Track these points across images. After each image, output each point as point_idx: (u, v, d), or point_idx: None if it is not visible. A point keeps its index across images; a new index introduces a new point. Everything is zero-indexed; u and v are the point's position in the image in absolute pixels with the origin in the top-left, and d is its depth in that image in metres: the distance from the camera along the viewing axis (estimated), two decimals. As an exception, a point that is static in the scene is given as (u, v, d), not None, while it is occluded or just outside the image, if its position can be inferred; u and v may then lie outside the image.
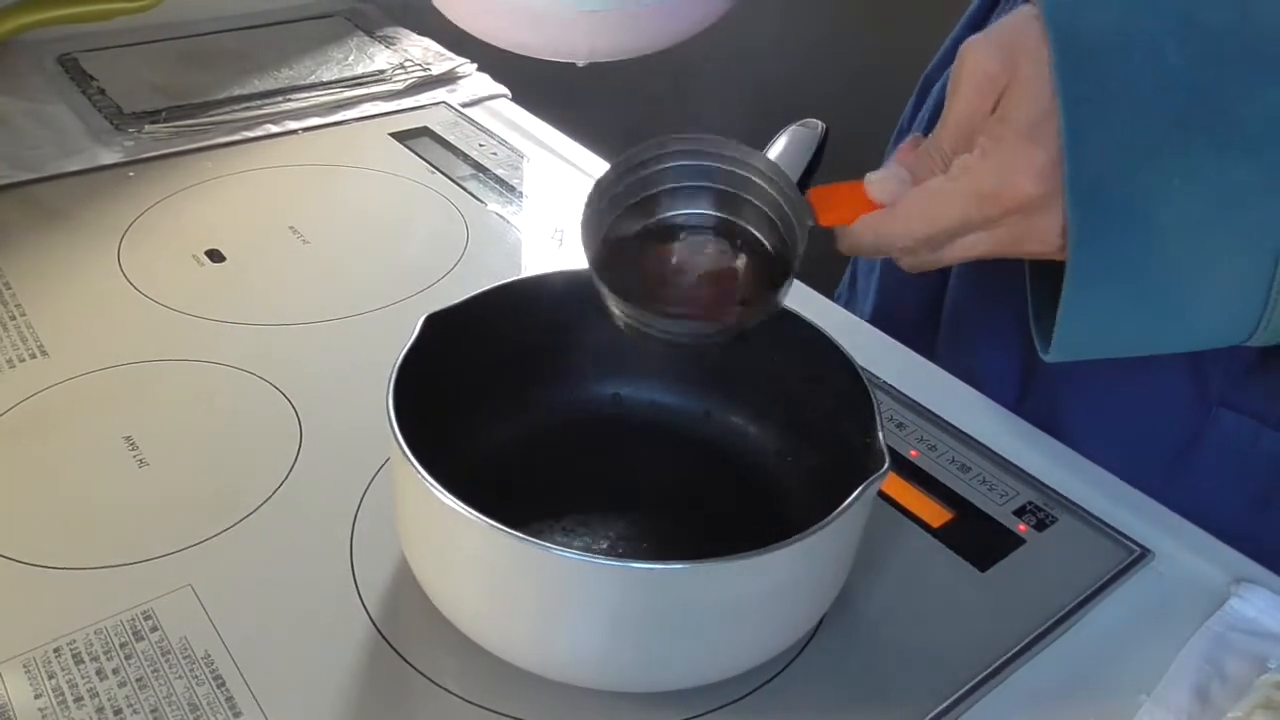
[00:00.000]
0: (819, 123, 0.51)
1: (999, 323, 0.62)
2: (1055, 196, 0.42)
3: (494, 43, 0.53)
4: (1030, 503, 0.54)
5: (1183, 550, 0.52)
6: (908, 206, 0.45)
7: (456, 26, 0.58)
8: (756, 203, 0.47)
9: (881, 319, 0.74)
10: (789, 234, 0.46)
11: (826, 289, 0.70)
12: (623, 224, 0.47)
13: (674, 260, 0.48)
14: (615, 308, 0.46)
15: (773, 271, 0.47)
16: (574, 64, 0.60)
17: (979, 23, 0.70)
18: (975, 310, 0.67)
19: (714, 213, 0.48)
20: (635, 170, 0.47)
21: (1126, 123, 0.41)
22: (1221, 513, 0.54)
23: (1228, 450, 0.58)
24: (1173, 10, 0.41)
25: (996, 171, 0.43)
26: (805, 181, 0.49)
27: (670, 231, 0.48)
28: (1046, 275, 0.46)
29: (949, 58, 0.72)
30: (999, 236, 0.45)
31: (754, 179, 0.47)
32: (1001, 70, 0.43)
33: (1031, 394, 0.63)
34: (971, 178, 0.43)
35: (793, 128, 0.51)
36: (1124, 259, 0.42)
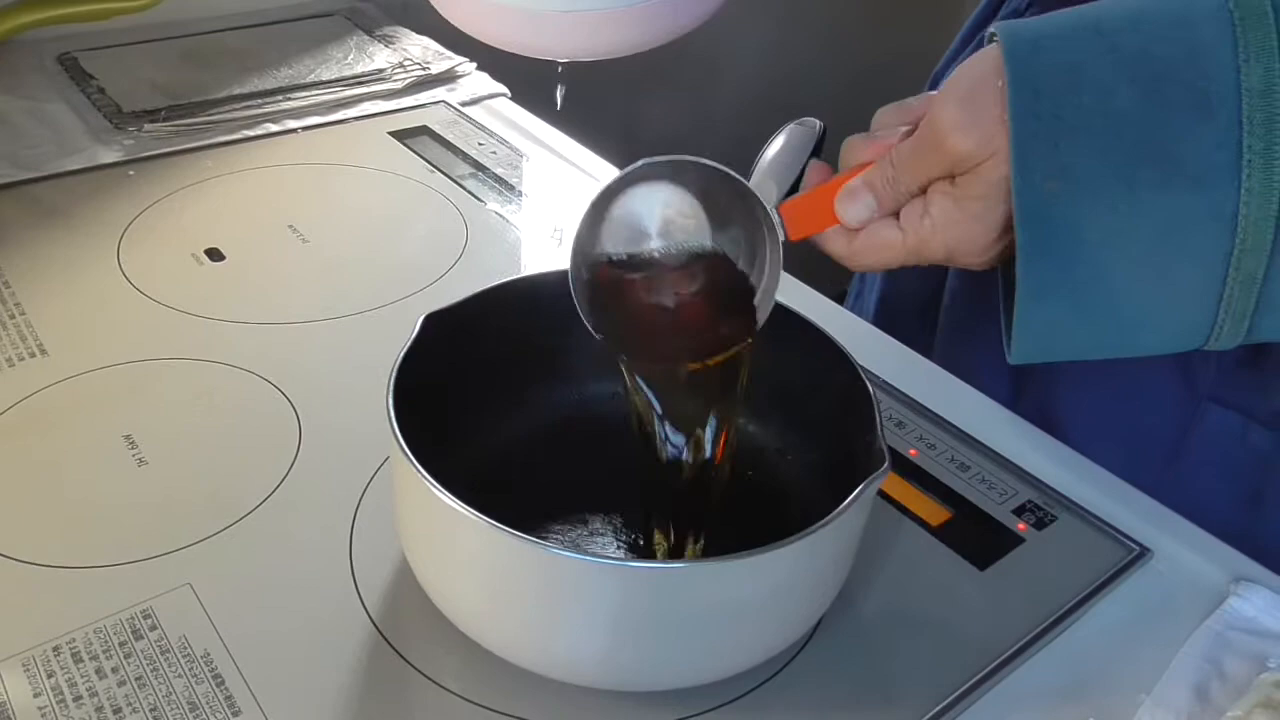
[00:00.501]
0: (816, 121, 0.51)
1: (993, 317, 0.62)
2: (991, 260, 0.47)
3: (478, 38, 0.53)
4: (1029, 501, 0.54)
5: (1182, 549, 0.52)
6: (863, 250, 0.48)
7: (456, 26, 0.58)
8: (730, 225, 0.48)
9: (888, 309, 0.74)
10: (760, 256, 0.47)
11: (828, 289, 0.70)
12: (600, 258, 0.47)
13: (651, 304, 0.48)
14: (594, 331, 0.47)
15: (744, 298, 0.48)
16: (574, 63, 0.60)
17: (987, 19, 0.70)
18: (971, 304, 0.67)
19: (687, 242, 0.48)
20: (611, 201, 0.47)
21: (1074, 156, 0.43)
22: (1215, 510, 0.54)
23: (1217, 446, 0.58)
24: (1129, 48, 0.43)
25: (945, 244, 0.47)
26: (802, 180, 0.49)
27: (646, 265, 0.48)
28: (1012, 285, 0.48)
29: (957, 55, 0.72)
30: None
31: (729, 200, 0.47)
32: (975, 153, 0.44)
33: (1025, 389, 0.64)
34: (920, 242, 0.47)
35: (790, 126, 0.51)
36: (1069, 281, 0.44)
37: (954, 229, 0.46)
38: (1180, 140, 0.42)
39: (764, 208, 0.46)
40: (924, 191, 0.47)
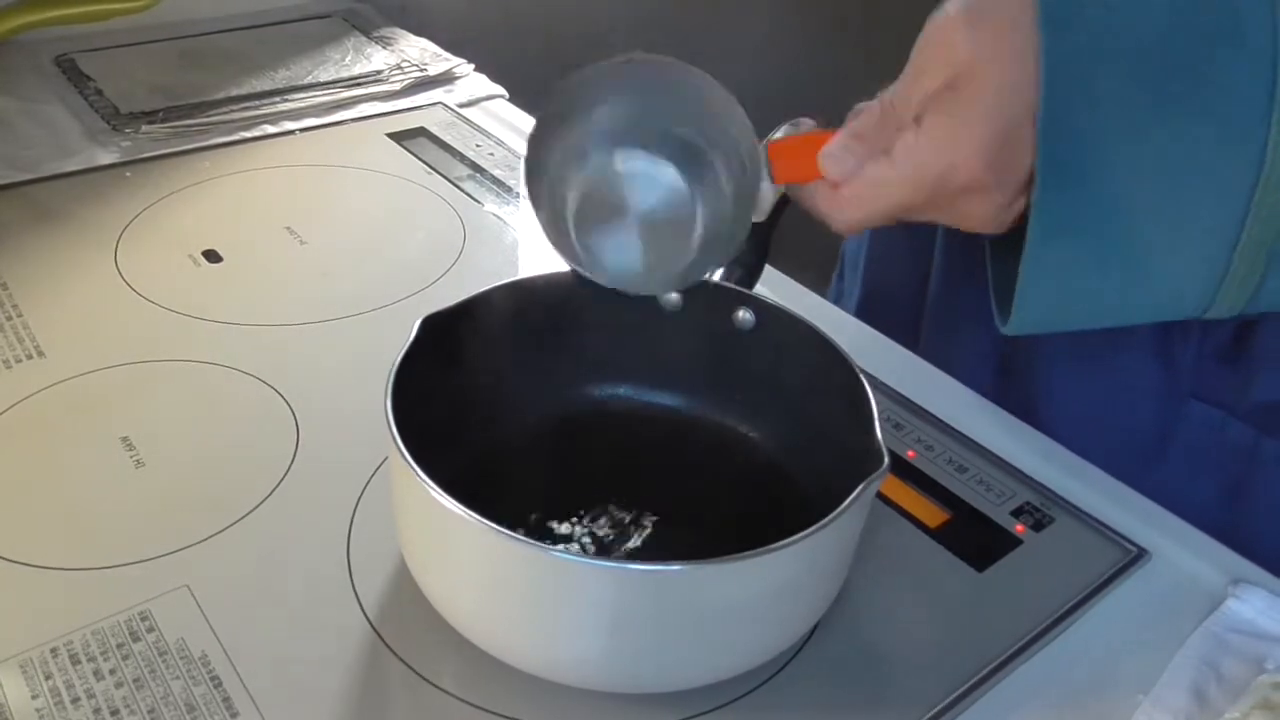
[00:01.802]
0: (811, 121, 0.51)
1: (977, 313, 0.62)
2: (990, 185, 0.44)
3: None
4: (1027, 503, 0.54)
5: (1180, 551, 0.52)
6: (853, 195, 0.46)
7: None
8: (718, 151, 0.47)
9: (870, 309, 0.74)
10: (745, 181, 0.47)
11: (823, 288, 0.70)
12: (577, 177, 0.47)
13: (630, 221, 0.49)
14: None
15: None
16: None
17: None
18: (955, 301, 0.67)
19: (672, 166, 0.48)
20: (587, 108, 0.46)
21: (1104, 79, 0.42)
22: (1197, 505, 0.54)
23: (1198, 441, 0.58)
24: None
25: (940, 166, 0.44)
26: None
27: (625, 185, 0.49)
28: (1006, 255, 0.47)
29: None
30: (936, 216, 0.47)
31: (718, 123, 0.47)
32: (980, 55, 0.43)
33: (1009, 384, 0.64)
34: (917, 166, 0.45)
35: (785, 127, 0.51)
36: (1087, 213, 0.43)
37: (951, 143, 0.44)
38: (1212, 68, 0.41)
39: (752, 141, 0.46)
40: (917, 123, 0.45)
